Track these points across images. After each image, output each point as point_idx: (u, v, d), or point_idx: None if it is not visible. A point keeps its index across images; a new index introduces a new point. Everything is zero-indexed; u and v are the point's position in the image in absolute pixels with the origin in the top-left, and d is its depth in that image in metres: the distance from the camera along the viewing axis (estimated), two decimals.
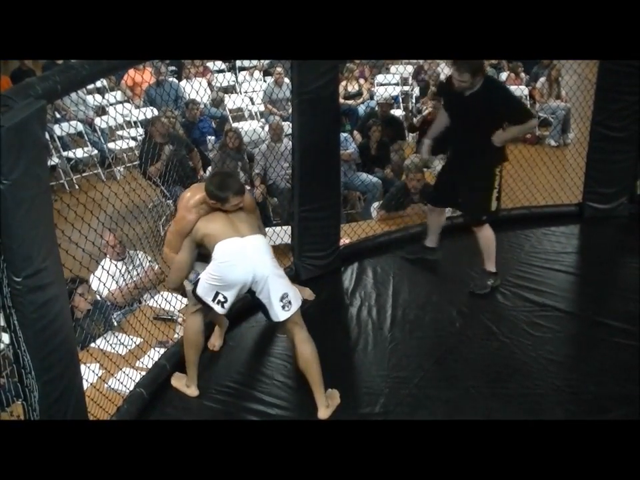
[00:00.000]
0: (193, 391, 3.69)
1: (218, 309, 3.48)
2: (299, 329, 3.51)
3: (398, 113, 9.19)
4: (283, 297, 3.43)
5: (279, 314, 3.44)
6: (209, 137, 8.10)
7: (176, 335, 4.17)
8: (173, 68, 9.52)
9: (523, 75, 9.56)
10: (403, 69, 10.25)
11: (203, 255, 3.60)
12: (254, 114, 9.37)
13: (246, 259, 3.40)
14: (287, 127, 6.93)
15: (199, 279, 3.49)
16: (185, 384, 3.71)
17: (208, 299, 3.46)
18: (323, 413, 3.48)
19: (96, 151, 8.21)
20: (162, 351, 3.97)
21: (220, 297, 3.43)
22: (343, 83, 8.99)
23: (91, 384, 3.40)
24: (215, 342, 4.05)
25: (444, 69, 9.56)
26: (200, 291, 3.47)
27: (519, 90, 9.26)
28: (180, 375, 3.77)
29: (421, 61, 10.15)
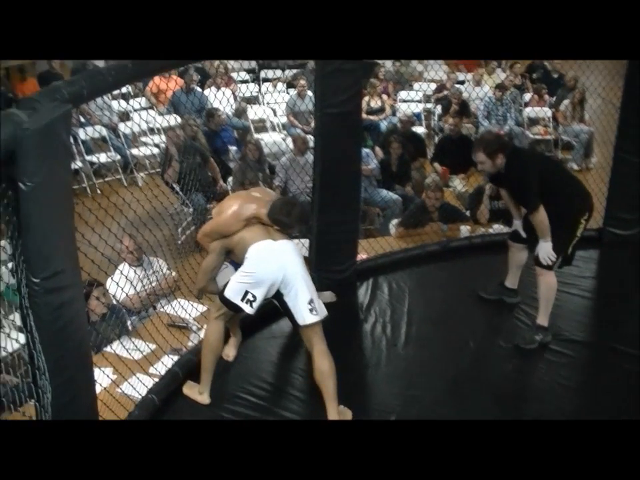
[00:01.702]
0: (204, 399, 3.69)
1: (247, 308, 3.51)
2: (318, 340, 3.52)
3: (420, 130, 9.19)
4: (310, 302, 3.48)
5: (306, 316, 3.48)
6: (231, 147, 8.14)
7: (190, 343, 4.18)
8: (198, 77, 9.56)
9: (546, 96, 9.52)
10: (426, 86, 10.27)
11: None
12: (276, 125, 9.41)
13: (278, 257, 3.49)
14: (309, 139, 6.94)
15: (228, 282, 3.55)
16: (197, 391, 3.71)
17: (237, 299, 3.50)
18: None
19: (119, 157, 8.28)
20: (175, 358, 3.98)
21: (249, 296, 3.48)
22: (366, 98, 9.01)
23: (104, 388, 3.40)
24: (230, 352, 4.06)
25: (467, 88, 9.58)
26: (228, 292, 3.52)
27: (543, 112, 9.26)
28: (192, 383, 3.77)
29: (444, 79, 10.16)
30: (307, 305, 3.47)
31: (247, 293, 3.48)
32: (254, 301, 3.49)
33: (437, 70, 9.97)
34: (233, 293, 3.51)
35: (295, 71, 10.57)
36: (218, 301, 3.61)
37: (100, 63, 7.36)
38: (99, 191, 7.69)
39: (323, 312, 3.55)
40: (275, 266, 3.47)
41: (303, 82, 9.01)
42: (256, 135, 8.69)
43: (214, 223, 3.75)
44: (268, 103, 9.88)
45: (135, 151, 8.44)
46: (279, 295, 3.53)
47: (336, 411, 3.48)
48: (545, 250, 4.03)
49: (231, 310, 3.59)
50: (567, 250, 4.11)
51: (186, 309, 4.40)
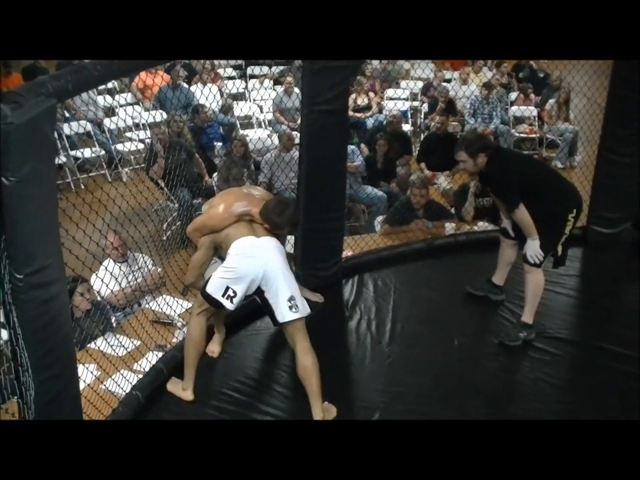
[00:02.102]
0: (188, 395, 3.68)
1: (227, 304, 3.52)
2: (301, 338, 3.51)
3: (406, 127, 9.20)
4: (290, 299, 3.48)
5: (285, 314, 3.47)
6: (216, 143, 8.11)
7: (175, 339, 4.16)
8: (185, 73, 9.53)
9: (532, 96, 9.56)
10: (413, 84, 10.29)
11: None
12: (262, 122, 9.38)
13: (260, 253, 3.50)
14: (294, 136, 6.93)
15: (209, 278, 3.55)
16: (181, 387, 3.70)
17: (218, 295, 3.50)
18: None
19: (103, 152, 8.23)
20: (160, 354, 3.96)
21: (230, 292, 3.49)
22: (353, 96, 9.00)
23: (88, 384, 3.38)
24: (214, 348, 4.05)
25: (454, 87, 9.61)
26: (210, 287, 3.53)
27: (528, 111, 9.31)
28: (176, 379, 3.76)
29: (431, 77, 10.19)
30: (286, 302, 3.47)
31: (227, 288, 3.48)
32: (234, 296, 3.49)
33: (424, 68, 10.01)
34: (214, 289, 3.52)
35: (282, 67, 10.56)
36: (200, 296, 3.60)
37: None
38: (82, 186, 7.63)
39: (304, 310, 3.54)
40: (256, 262, 3.47)
41: (290, 79, 8.99)
42: (242, 132, 8.66)
43: (205, 217, 3.75)
44: (254, 99, 9.86)
45: (119, 147, 8.40)
46: (259, 292, 3.53)
47: (320, 408, 3.47)
48: (533, 248, 4.04)
49: (212, 305, 3.59)
50: (555, 248, 4.12)
51: (171, 305, 4.38)
